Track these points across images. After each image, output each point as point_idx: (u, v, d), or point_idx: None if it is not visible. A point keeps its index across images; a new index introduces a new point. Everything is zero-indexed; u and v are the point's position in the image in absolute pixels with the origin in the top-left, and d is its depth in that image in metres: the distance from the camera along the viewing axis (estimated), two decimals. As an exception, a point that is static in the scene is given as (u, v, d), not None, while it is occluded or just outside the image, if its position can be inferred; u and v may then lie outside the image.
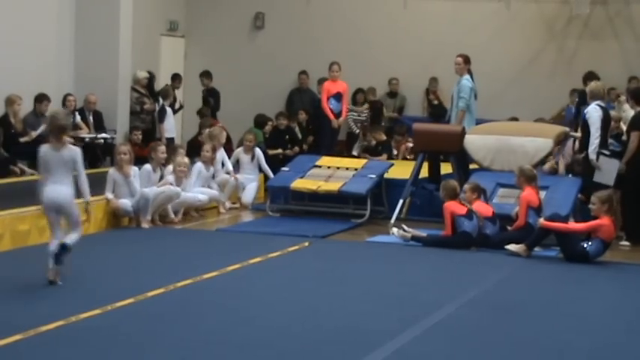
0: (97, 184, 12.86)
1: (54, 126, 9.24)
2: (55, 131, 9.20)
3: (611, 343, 8.05)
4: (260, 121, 18.21)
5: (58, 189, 9.10)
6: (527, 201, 12.12)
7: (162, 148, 13.73)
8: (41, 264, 9.15)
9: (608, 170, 12.77)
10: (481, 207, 12.32)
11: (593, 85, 13.46)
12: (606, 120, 12.97)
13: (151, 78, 18.47)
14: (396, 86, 20.29)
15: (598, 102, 13.03)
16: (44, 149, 9.19)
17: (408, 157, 18.29)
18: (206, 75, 19.60)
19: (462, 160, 14.35)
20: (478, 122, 15.13)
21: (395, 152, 18.57)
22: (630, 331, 8.46)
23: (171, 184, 13.14)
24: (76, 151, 9.24)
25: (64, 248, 9.00)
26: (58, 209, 9.18)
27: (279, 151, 17.61)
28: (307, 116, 19.19)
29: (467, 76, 14.93)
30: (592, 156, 12.82)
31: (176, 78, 19.67)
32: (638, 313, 9.19)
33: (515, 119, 17.92)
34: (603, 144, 12.89)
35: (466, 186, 12.57)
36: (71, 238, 9.13)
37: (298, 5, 21.01)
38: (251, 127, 17.69)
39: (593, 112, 12.93)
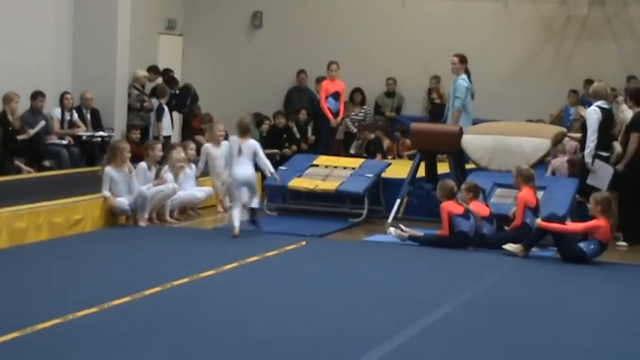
0: (94, 183, 12.90)
1: (241, 125, 12.58)
2: (241, 130, 12.54)
3: (607, 343, 8.05)
4: (257, 120, 18.17)
5: (245, 169, 12.34)
6: (524, 201, 12.12)
7: (159, 146, 13.74)
8: (38, 262, 9.13)
9: (601, 174, 12.75)
10: (478, 207, 12.33)
11: (596, 85, 13.43)
12: (607, 121, 12.93)
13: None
14: (393, 86, 20.28)
15: (600, 103, 13.00)
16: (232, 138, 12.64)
17: (406, 155, 18.30)
18: (171, 80, 19.42)
19: (459, 160, 14.36)
20: (475, 122, 15.12)
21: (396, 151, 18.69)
22: (627, 332, 8.47)
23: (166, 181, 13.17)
24: (256, 143, 12.58)
25: (253, 210, 12.46)
26: (244, 184, 12.32)
27: (276, 150, 17.60)
28: (308, 116, 19.20)
29: (463, 76, 14.92)
30: (587, 159, 12.80)
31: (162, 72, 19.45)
32: (635, 314, 9.19)
33: (530, 121, 17.71)
34: (602, 146, 12.85)
35: (463, 185, 12.58)
36: (255, 203, 12.48)
37: (296, 4, 21.00)
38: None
39: (592, 114, 12.89)
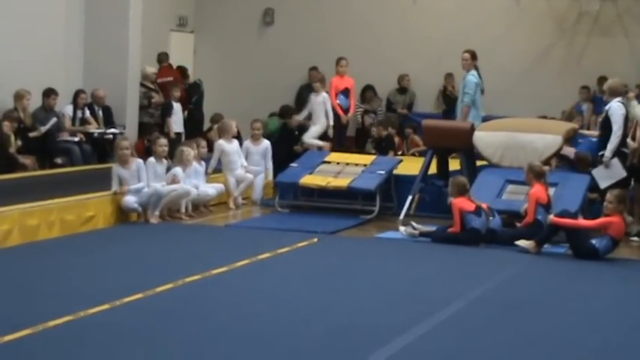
0: (106, 180, 12.91)
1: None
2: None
3: (621, 340, 8.03)
4: (285, 111, 17.91)
5: None
6: (535, 197, 12.10)
7: (163, 141, 13.64)
8: (50, 259, 9.14)
9: (611, 173, 12.70)
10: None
11: (611, 82, 13.36)
12: (625, 118, 12.90)
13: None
14: (407, 82, 20.27)
15: (619, 99, 12.96)
16: None
17: (416, 152, 18.28)
18: (182, 73, 19.44)
19: (470, 157, 14.33)
20: (487, 119, 15.11)
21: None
22: (639, 330, 8.44)
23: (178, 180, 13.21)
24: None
25: None
26: None
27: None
28: None
29: (473, 72, 14.93)
30: (608, 154, 12.73)
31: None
32: (648, 311, 9.17)
33: (544, 117, 17.68)
34: (623, 142, 12.82)
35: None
36: None
37: (308, 1, 21.00)
38: (268, 117, 17.61)
39: (617, 109, 12.81)
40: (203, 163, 14.17)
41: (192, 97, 18.96)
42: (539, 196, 12.13)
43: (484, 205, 12.26)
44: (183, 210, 13.30)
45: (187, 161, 13.57)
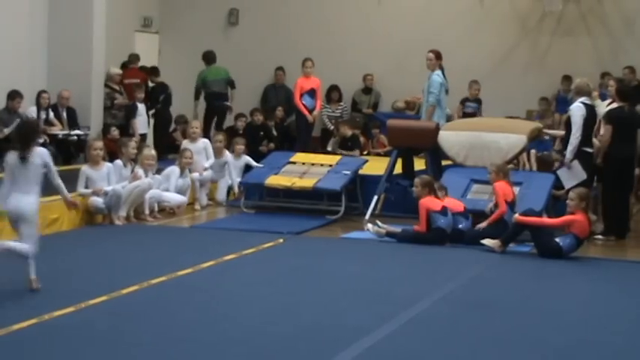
0: (71, 182, 12.83)
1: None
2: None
3: (584, 338, 8.09)
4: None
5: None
6: (501, 188, 12.16)
7: (133, 143, 13.75)
8: (13, 261, 9.07)
9: (573, 175, 12.79)
10: (452, 202, 12.36)
11: (578, 81, 13.46)
12: (590, 117, 12.98)
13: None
14: (371, 82, 20.30)
15: (583, 99, 13.05)
16: None
17: (382, 152, 18.34)
18: (153, 71, 19.39)
19: (436, 156, 14.38)
20: (451, 118, 15.18)
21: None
22: (604, 327, 8.51)
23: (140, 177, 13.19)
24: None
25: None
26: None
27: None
28: (285, 113, 19.22)
29: (438, 72, 14.95)
30: (569, 155, 12.84)
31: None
32: (612, 309, 9.23)
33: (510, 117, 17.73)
34: (587, 142, 12.91)
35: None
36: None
37: (272, 1, 20.99)
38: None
39: (577, 110, 12.92)
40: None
41: (159, 96, 18.88)
42: (505, 191, 12.19)
43: (461, 207, 12.31)
44: (147, 212, 13.26)
45: (148, 163, 13.55)
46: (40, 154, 9.06)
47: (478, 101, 18.69)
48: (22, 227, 8.88)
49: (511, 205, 12.18)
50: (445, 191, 12.61)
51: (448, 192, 12.68)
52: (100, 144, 13.11)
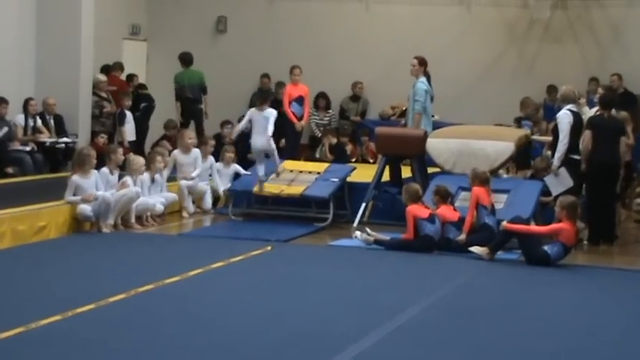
0: (58, 189, 12.83)
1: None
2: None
3: (571, 346, 8.09)
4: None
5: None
6: (476, 195, 12.17)
7: (121, 150, 13.78)
8: (1, 269, 9.05)
9: (560, 182, 12.83)
10: (447, 211, 12.35)
11: (564, 89, 13.49)
12: (577, 125, 13.01)
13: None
14: (360, 90, 20.32)
15: (570, 106, 13.08)
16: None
17: (371, 160, 18.35)
18: (140, 86, 19.35)
19: (422, 164, 14.39)
20: (440, 126, 15.17)
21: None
22: (591, 334, 8.51)
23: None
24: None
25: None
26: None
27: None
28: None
29: (422, 79, 14.88)
30: (556, 162, 12.88)
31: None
32: (600, 316, 9.24)
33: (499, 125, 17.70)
34: (574, 149, 12.94)
35: (433, 188, 12.58)
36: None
37: (260, 9, 21.01)
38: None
39: (564, 117, 12.96)
40: (164, 173, 14.18)
41: (141, 104, 18.83)
42: (479, 195, 12.17)
43: (455, 217, 12.26)
44: (133, 220, 13.22)
45: (135, 170, 13.52)
46: None
47: None
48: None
49: (490, 210, 12.16)
50: (451, 197, 12.58)
51: (447, 200, 12.60)
52: (93, 152, 13.07)
